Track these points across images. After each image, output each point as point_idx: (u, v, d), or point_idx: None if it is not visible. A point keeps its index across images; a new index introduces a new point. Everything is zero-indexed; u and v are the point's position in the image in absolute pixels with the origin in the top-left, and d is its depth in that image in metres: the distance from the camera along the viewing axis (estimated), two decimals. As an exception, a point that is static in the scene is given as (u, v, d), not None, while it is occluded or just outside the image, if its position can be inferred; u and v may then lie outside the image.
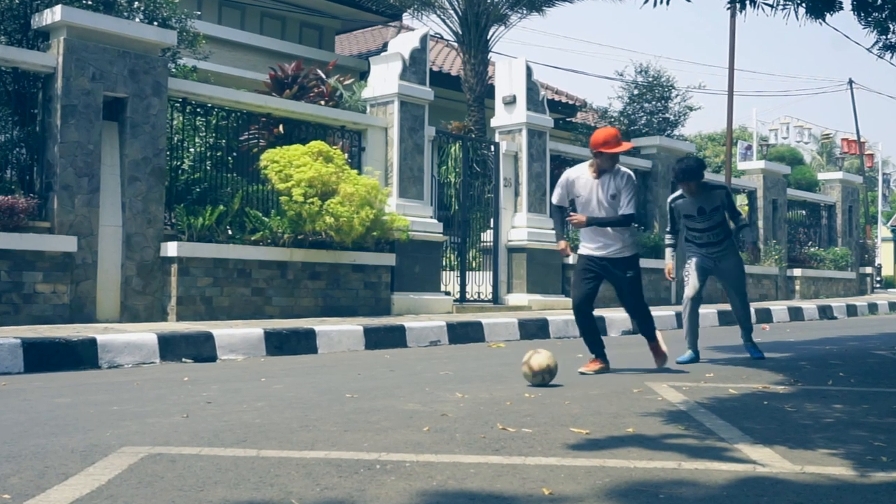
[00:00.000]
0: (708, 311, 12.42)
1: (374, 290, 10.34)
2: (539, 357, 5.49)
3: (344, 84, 12.15)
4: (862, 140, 28.56)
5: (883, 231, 35.59)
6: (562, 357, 7.61)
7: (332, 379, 5.99)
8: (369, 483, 2.95)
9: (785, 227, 18.29)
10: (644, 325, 6.64)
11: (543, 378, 5.45)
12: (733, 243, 7.28)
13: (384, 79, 11.33)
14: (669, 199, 7.33)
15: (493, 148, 12.71)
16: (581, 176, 6.28)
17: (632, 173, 6.30)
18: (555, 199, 6.56)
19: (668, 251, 7.51)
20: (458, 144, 12.46)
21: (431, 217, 11.52)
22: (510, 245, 12.62)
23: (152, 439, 3.63)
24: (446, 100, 15.98)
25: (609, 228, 6.22)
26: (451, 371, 6.31)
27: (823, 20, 6.39)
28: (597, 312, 11.02)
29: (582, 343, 9.06)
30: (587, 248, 6.35)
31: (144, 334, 6.87)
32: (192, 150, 9.56)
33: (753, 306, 13.83)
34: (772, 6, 6.04)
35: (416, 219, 10.96)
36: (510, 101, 13.01)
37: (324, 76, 11.66)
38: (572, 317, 10.26)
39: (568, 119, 19.77)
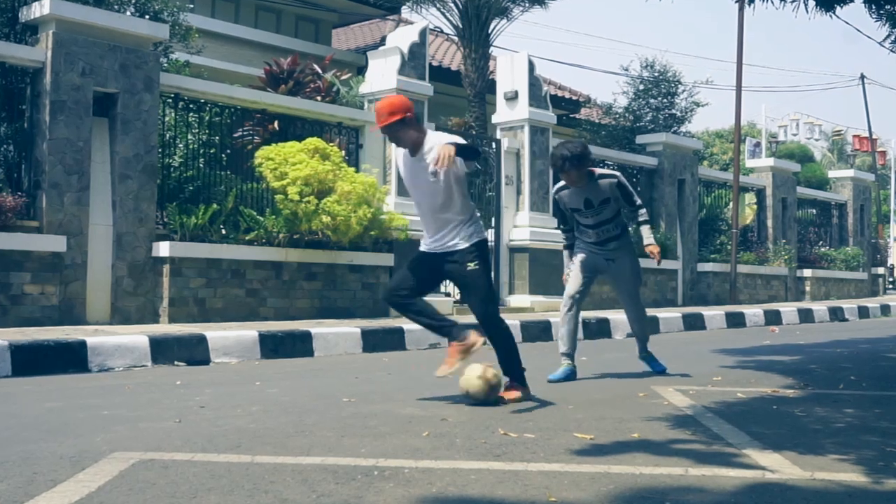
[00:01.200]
0: (715, 313, 12.42)
1: (372, 292, 10.33)
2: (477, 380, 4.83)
3: (341, 79, 12.14)
4: (874, 137, 28.55)
5: (895, 230, 35.59)
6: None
7: (328, 383, 6.00)
8: (367, 490, 2.95)
9: (795, 227, 18.28)
10: (499, 345, 5.17)
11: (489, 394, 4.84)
12: (629, 241, 6.40)
13: (382, 74, 11.33)
14: (553, 190, 6.34)
15: (494, 145, 12.71)
16: (401, 157, 5.18)
17: (450, 138, 4.97)
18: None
19: (566, 254, 6.49)
20: (458, 141, 12.44)
21: (431, 216, 11.50)
22: (512, 245, 12.62)
23: (144, 445, 3.64)
24: (446, 95, 15.98)
25: (448, 219, 5.01)
26: (451, 375, 6.30)
27: (833, 13, 6.39)
28: (600, 314, 11.06)
29: (586, 346, 9.08)
30: (424, 242, 5.21)
31: (136, 337, 6.87)
32: (184, 147, 9.56)
33: (762, 307, 13.86)
34: (781, -1, 6.03)
35: (416, 218, 10.92)
36: (512, 97, 13.00)
37: (320, 71, 11.66)
38: (576, 319, 10.29)
39: (572, 115, 19.76)
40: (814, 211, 19.91)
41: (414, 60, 11.36)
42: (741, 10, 15.45)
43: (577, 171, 5.95)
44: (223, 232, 9.22)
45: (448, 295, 11.52)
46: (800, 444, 3.75)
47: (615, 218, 6.21)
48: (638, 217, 6.34)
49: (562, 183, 6.18)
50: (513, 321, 9.73)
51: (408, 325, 8.71)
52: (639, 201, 6.30)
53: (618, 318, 10.65)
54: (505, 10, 15.04)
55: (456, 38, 16.23)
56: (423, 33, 11.58)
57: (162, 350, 6.87)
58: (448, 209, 5.01)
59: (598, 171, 6.18)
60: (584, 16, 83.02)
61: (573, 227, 6.38)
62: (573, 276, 6.32)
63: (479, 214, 5.27)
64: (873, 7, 6.63)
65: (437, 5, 14.95)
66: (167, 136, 9.38)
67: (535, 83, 13.03)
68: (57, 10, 8.11)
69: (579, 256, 6.32)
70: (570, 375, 6.09)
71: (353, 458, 3.40)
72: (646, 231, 6.40)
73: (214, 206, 9.07)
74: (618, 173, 6.25)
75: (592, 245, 6.29)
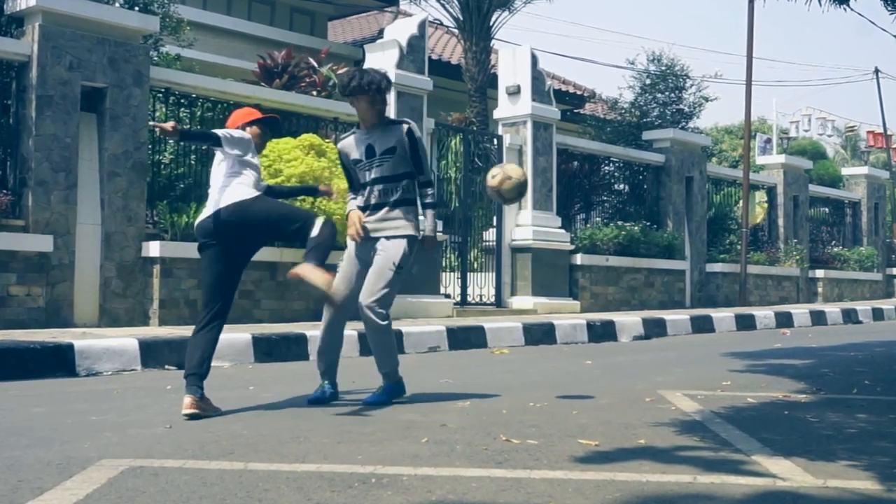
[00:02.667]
0: (724, 315, 12.42)
1: (369, 293, 10.33)
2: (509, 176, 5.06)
3: (337, 73, 12.15)
4: (889, 133, 28.53)
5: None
6: (569, 363, 7.62)
7: (324, 387, 5.99)
8: (364, 498, 2.95)
9: (807, 226, 18.29)
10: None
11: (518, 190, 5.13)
12: (409, 220, 5.09)
13: (380, 67, 11.30)
14: (340, 141, 5.34)
15: (495, 141, 12.72)
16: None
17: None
18: None
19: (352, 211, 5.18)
20: (458, 137, 12.46)
21: (430, 215, 11.50)
22: (514, 245, 12.62)
23: (133, 451, 3.64)
24: (446, 90, 15.99)
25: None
26: (452, 379, 6.31)
27: (847, 5, 6.39)
28: (605, 316, 11.07)
29: (591, 349, 9.10)
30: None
31: (125, 340, 6.87)
32: (174, 142, 9.55)
33: (773, 309, 13.86)
34: (792, -10, 6.04)
35: (414, 217, 10.95)
36: (514, 92, 13.01)
37: (316, 65, 11.67)
38: (581, 321, 10.33)
39: (576, 110, 19.79)
40: (826, 210, 19.92)
41: (413, 54, 11.36)
42: (751, 2, 15.47)
43: (367, 101, 5.02)
44: (215, 231, 9.21)
45: (448, 297, 11.54)
46: (811, 451, 3.75)
47: (398, 179, 5.06)
48: (425, 197, 5.22)
49: (350, 132, 5.25)
50: (515, 323, 9.74)
51: (406, 328, 8.72)
52: (429, 174, 5.23)
53: (623, 320, 10.66)
54: (507, 1, 15.05)
55: (456, 31, 16.25)
56: (422, 26, 11.59)
57: (152, 353, 6.87)
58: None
59: (394, 117, 5.35)
60: (589, 7, 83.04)
61: (358, 192, 5.23)
62: (340, 274, 5.12)
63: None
64: (888, -1, 6.62)
65: (437, -4, 14.96)
66: (157, 132, 9.37)
67: (538, 77, 13.04)
68: (44, 1, 8.10)
69: (349, 247, 5.17)
70: (324, 396, 5.03)
71: (350, 465, 3.40)
72: (430, 217, 5.24)
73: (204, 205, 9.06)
74: (411, 121, 5.23)
75: (364, 213, 5.11)
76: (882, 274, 20.16)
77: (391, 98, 11.10)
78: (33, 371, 6.20)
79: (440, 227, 11.40)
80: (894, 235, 22.93)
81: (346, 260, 5.15)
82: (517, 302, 12.45)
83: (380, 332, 5.00)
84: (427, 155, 5.27)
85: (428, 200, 5.22)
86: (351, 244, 5.14)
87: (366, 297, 4.93)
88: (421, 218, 5.23)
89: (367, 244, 5.07)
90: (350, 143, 5.15)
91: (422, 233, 5.23)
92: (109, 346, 6.68)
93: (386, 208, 5.05)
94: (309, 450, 3.71)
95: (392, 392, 5.13)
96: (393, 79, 11.05)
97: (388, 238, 5.04)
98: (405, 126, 5.10)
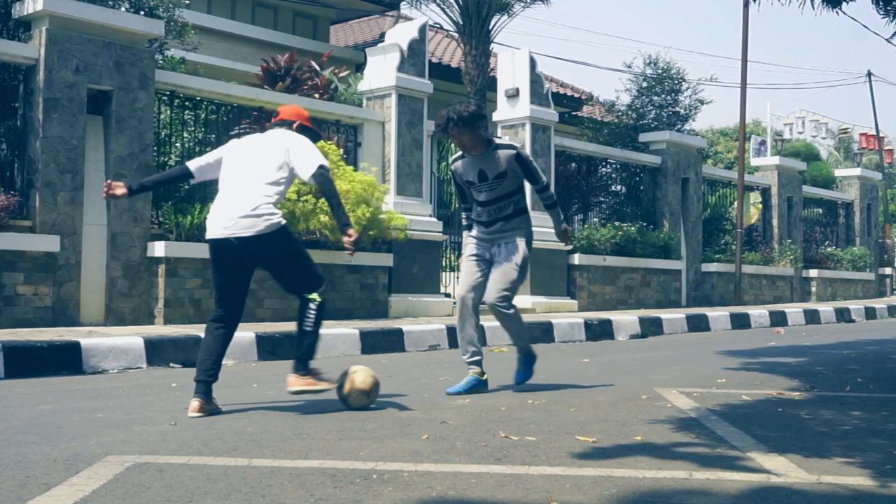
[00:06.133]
0: (719, 314, 12.42)
1: (370, 292, 10.34)
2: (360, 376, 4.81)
3: (339, 76, 12.15)
4: (881, 135, 28.53)
5: (903, 230, 35.47)
6: (567, 361, 7.62)
7: (326, 385, 5.98)
8: (365, 494, 2.95)
9: (800, 227, 18.29)
10: (301, 337, 5.02)
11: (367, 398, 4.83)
12: (523, 227, 5.58)
13: (381, 71, 11.33)
14: (451, 160, 5.67)
15: (495, 143, 12.70)
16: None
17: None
18: None
19: (465, 234, 5.83)
20: (458, 139, 12.45)
21: (431, 215, 11.51)
22: (513, 245, 12.60)
23: (139, 448, 3.64)
24: (446, 93, 15.96)
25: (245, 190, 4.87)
26: (452, 377, 6.30)
27: (840, 9, 6.39)
28: (602, 315, 11.06)
29: (588, 347, 9.10)
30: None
31: (130, 338, 6.87)
32: (180, 145, 9.56)
33: (767, 308, 13.86)
34: (786, -6, 6.04)
35: (415, 217, 10.96)
36: (513, 95, 13.00)
37: (318, 68, 11.67)
38: (579, 320, 10.32)
39: (574, 113, 19.78)
40: (820, 210, 19.92)
41: (413, 57, 11.36)
42: (746, 6, 15.46)
43: (468, 134, 5.32)
44: (219, 231, 9.20)
45: (448, 296, 11.53)
46: (805, 447, 3.75)
47: (511, 196, 5.50)
48: (545, 199, 5.68)
49: (460, 153, 5.57)
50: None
51: (407, 327, 8.72)
52: (544, 179, 5.62)
53: (621, 319, 10.66)
54: (506, 5, 15.02)
55: (456, 35, 16.22)
56: (422, 30, 11.58)
57: (157, 352, 6.87)
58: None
59: (499, 140, 5.53)
60: (587, 12, 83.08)
61: (472, 208, 5.68)
62: (464, 274, 5.59)
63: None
64: (880, 3, 6.62)
65: (437, 1, 14.94)
66: (162, 134, 9.38)
67: (536, 80, 13.03)
68: (50, 6, 8.10)
69: (467, 250, 5.63)
70: (476, 386, 5.41)
71: (352, 462, 3.40)
72: (553, 215, 5.74)
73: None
74: (518, 145, 5.56)
75: (481, 226, 5.59)
76: (874, 274, 20.17)
77: (393, 101, 11.11)
78: (40, 369, 6.21)
79: (440, 227, 11.40)
80: (887, 236, 22.94)
81: (465, 261, 5.63)
82: (516, 301, 12.41)
83: (511, 319, 5.67)
84: (537, 167, 5.59)
85: (548, 203, 5.70)
86: (470, 247, 5.62)
87: (491, 295, 5.51)
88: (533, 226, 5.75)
89: (484, 247, 5.59)
90: (463, 165, 5.53)
91: (559, 232, 5.79)
92: (115, 345, 6.68)
93: (501, 222, 5.53)
94: (311, 446, 3.71)
95: (530, 361, 5.76)
96: (394, 81, 11.15)
97: (506, 244, 5.53)
98: (514, 152, 5.44)
